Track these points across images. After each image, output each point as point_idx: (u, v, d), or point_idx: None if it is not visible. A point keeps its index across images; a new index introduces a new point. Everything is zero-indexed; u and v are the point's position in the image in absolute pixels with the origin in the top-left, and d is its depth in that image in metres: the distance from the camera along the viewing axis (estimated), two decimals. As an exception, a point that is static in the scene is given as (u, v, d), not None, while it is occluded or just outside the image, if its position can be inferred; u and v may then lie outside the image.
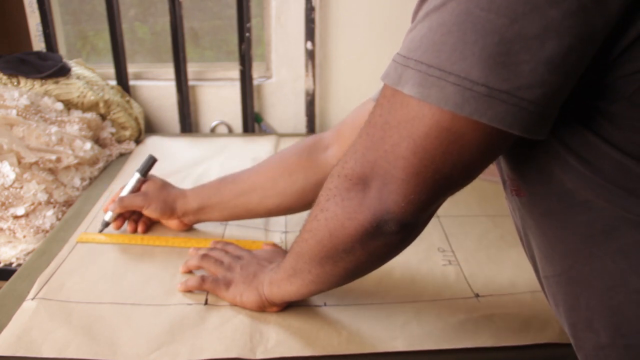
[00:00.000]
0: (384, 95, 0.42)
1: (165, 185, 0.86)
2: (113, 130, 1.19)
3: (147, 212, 0.83)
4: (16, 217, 0.91)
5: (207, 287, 0.69)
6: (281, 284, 0.62)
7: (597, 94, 0.38)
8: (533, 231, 0.49)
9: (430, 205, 0.45)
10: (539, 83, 0.35)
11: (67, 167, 1.01)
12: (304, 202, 0.77)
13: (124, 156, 1.18)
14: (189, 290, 0.70)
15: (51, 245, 0.82)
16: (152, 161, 0.88)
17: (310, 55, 1.33)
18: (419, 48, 0.38)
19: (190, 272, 0.75)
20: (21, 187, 0.92)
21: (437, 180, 0.41)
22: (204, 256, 0.73)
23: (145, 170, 0.87)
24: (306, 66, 1.34)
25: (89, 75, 1.21)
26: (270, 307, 0.66)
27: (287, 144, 1.24)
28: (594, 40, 0.35)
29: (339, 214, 0.47)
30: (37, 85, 1.10)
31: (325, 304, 0.70)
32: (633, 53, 0.35)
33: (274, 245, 0.81)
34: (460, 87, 0.36)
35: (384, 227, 0.45)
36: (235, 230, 0.87)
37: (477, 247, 0.84)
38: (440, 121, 0.38)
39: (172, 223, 0.85)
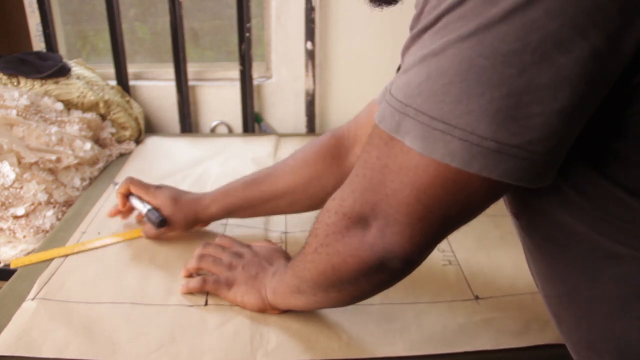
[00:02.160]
0: (380, 137, 0.40)
1: (178, 197, 0.81)
2: (113, 130, 1.19)
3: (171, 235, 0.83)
4: (16, 217, 0.91)
5: (209, 288, 0.69)
6: (285, 296, 0.62)
7: (605, 131, 0.36)
8: (533, 252, 0.49)
9: (435, 244, 0.45)
10: (551, 135, 0.33)
11: (67, 167, 1.01)
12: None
13: (124, 156, 1.18)
14: (190, 292, 0.70)
15: (51, 245, 0.82)
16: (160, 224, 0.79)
17: (310, 55, 1.33)
18: (418, 96, 0.36)
19: (191, 275, 0.74)
20: (21, 187, 0.92)
21: (442, 224, 0.41)
22: (202, 256, 0.72)
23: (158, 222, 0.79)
24: (306, 66, 1.34)
25: (89, 75, 1.21)
26: (272, 310, 0.66)
27: (287, 144, 1.24)
28: (607, 83, 0.33)
29: (341, 251, 0.47)
30: (37, 85, 1.10)
31: None
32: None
33: (270, 242, 0.80)
34: (468, 143, 0.34)
35: (388, 264, 0.45)
36: (236, 230, 0.87)
37: (477, 247, 0.84)
38: (446, 174, 0.36)
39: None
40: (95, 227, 0.87)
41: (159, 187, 0.82)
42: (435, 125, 0.35)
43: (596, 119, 0.35)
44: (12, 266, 0.72)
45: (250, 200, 0.79)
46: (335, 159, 0.77)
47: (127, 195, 0.84)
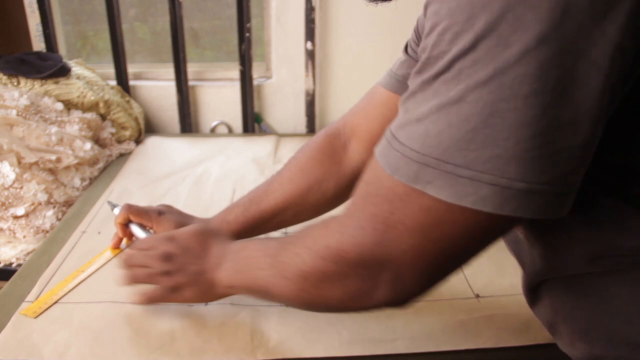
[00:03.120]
0: (393, 190, 0.38)
1: (183, 225, 0.74)
2: (113, 130, 1.19)
3: None
4: (16, 217, 0.91)
5: (156, 301, 0.64)
6: (247, 293, 0.59)
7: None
8: (526, 242, 0.50)
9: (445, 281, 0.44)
10: (576, 168, 0.34)
11: (67, 167, 1.01)
12: (339, 204, 0.75)
13: (124, 156, 1.18)
14: (152, 302, 0.65)
15: (51, 245, 0.82)
16: None
17: (310, 55, 1.33)
18: (439, 145, 0.35)
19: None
20: (21, 187, 0.92)
21: (459, 265, 0.41)
22: (133, 273, 0.65)
23: None
24: (306, 66, 1.34)
25: (89, 76, 1.21)
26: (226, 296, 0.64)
27: (287, 144, 1.24)
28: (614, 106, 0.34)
29: (339, 297, 0.46)
30: (37, 86, 1.10)
31: None
32: None
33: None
34: (498, 187, 0.34)
35: (395, 305, 0.44)
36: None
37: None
38: (476, 220, 0.36)
39: None
40: (95, 227, 0.87)
41: (161, 213, 0.76)
42: (461, 172, 0.34)
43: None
44: (20, 313, 0.66)
45: (253, 223, 0.74)
46: (331, 158, 0.74)
47: (126, 224, 0.78)
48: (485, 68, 0.32)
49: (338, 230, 0.44)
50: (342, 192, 0.73)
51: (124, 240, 0.80)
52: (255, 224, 0.74)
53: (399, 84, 0.67)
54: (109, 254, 0.80)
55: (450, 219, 0.36)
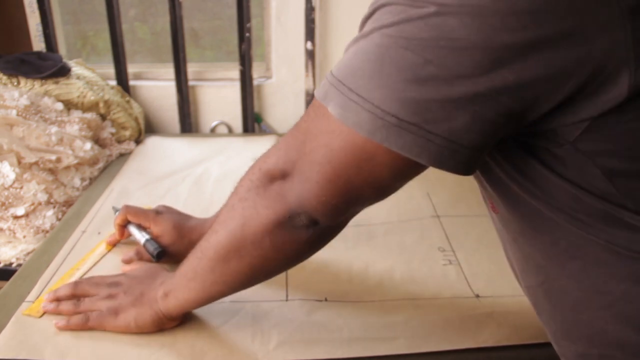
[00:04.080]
0: (313, 104, 0.45)
1: (181, 225, 0.76)
2: (113, 130, 1.19)
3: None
4: (16, 217, 0.91)
5: (92, 324, 0.62)
6: (178, 293, 0.59)
7: (544, 138, 0.40)
8: (511, 245, 0.51)
9: (342, 212, 0.48)
10: (446, 119, 0.37)
11: (67, 167, 1.01)
12: None
13: (124, 156, 1.18)
14: (71, 330, 0.63)
15: (51, 245, 0.82)
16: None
17: (310, 55, 1.33)
18: (342, 70, 0.41)
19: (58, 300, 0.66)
20: (21, 187, 0.92)
21: (349, 191, 0.45)
22: (76, 302, 0.65)
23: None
24: (306, 66, 1.34)
25: (89, 75, 1.21)
26: (169, 322, 0.63)
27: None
28: (513, 92, 0.37)
29: (257, 202, 0.50)
30: (37, 85, 1.10)
31: (326, 299, 0.70)
32: (570, 107, 0.37)
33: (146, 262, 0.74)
34: (374, 115, 0.38)
35: (296, 219, 0.48)
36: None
37: (477, 247, 0.84)
38: (355, 141, 0.41)
39: None
40: (95, 227, 0.87)
41: (159, 213, 0.77)
42: (351, 96, 0.40)
43: (533, 127, 0.39)
44: (23, 313, 0.66)
45: None
46: None
47: (125, 225, 0.79)
48: (394, 17, 0.38)
49: (273, 147, 0.51)
50: None
51: (131, 229, 0.79)
52: None
53: None
54: (103, 248, 0.80)
55: (338, 132, 0.42)
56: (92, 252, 0.80)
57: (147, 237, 0.75)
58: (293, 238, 0.50)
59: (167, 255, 0.74)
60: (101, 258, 0.78)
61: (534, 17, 0.34)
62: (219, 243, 0.54)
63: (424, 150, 0.38)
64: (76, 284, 0.67)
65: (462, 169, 0.40)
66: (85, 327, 0.63)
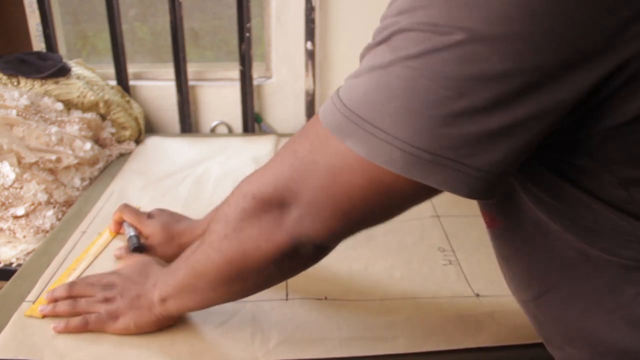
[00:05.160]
0: (317, 132, 0.42)
1: (170, 227, 0.78)
2: (113, 130, 1.19)
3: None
4: (16, 217, 0.91)
5: (92, 327, 0.63)
6: (178, 301, 0.60)
7: (563, 150, 0.39)
8: (510, 258, 0.51)
9: (351, 235, 0.46)
10: (483, 152, 0.36)
11: (67, 167, 1.01)
12: None
13: (124, 156, 1.18)
14: (70, 332, 0.63)
15: (51, 245, 0.82)
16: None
17: (310, 55, 1.33)
18: (363, 103, 0.38)
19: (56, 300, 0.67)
20: (21, 187, 0.92)
21: (364, 221, 0.44)
22: (72, 302, 0.65)
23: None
24: (306, 66, 1.34)
25: (89, 75, 1.21)
26: (168, 322, 0.63)
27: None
28: (546, 112, 0.35)
29: (255, 235, 0.48)
30: (37, 85, 1.10)
31: (326, 298, 0.70)
32: (594, 114, 0.36)
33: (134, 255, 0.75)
34: (406, 153, 0.36)
35: (301, 249, 0.46)
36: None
37: (477, 247, 0.84)
38: (382, 178, 0.39)
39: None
40: (95, 227, 0.87)
41: (150, 215, 0.80)
42: (377, 134, 0.37)
43: (554, 139, 0.38)
44: (25, 315, 0.66)
45: None
46: None
47: (121, 222, 0.83)
48: (417, 46, 0.35)
49: (263, 168, 0.48)
50: None
51: (125, 225, 0.83)
52: None
53: None
54: (107, 235, 0.84)
55: (360, 170, 0.39)
56: (95, 242, 0.82)
57: (133, 233, 0.79)
58: (299, 263, 0.50)
59: (146, 251, 0.76)
60: (107, 245, 0.82)
61: (567, 38, 0.32)
62: (219, 269, 0.52)
63: (463, 184, 0.37)
64: (72, 284, 0.67)
65: (492, 196, 0.38)
66: (84, 330, 0.63)
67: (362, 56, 0.41)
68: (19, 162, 0.94)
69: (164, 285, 0.61)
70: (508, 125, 0.35)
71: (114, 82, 1.32)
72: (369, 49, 0.40)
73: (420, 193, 0.41)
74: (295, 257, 0.48)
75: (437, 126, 0.35)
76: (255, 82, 1.36)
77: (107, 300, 0.64)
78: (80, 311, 0.64)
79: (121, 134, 1.21)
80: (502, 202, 0.47)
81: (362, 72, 0.39)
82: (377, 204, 0.42)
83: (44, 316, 0.65)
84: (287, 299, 0.70)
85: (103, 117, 1.18)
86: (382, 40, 0.38)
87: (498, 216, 0.49)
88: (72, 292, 0.66)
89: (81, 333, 0.63)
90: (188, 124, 1.38)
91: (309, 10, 1.28)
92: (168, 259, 0.69)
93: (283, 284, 0.73)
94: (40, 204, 0.93)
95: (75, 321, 0.63)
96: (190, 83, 1.36)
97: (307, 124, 0.44)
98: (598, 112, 0.36)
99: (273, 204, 0.46)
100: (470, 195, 0.38)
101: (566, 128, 0.37)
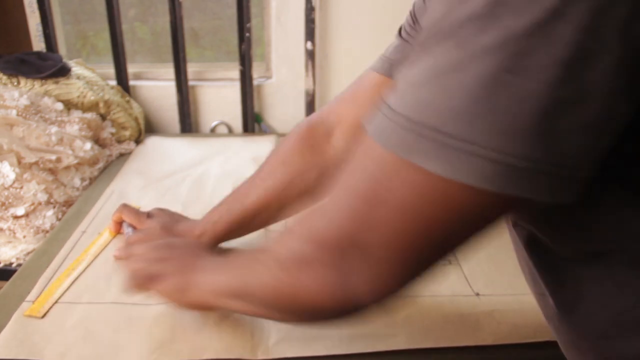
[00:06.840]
0: (378, 164, 0.34)
1: (169, 228, 0.75)
2: (113, 130, 1.19)
3: None
4: (16, 217, 0.91)
5: (160, 292, 0.59)
6: (222, 301, 0.53)
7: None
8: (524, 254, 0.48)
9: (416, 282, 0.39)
10: (581, 150, 0.31)
11: (67, 167, 1.01)
12: (324, 194, 0.74)
13: (124, 156, 1.18)
14: (134, 284, 0.61)
15: (51, 245, 0.82)
16: None
17: (310, 55, 1.33)
18: (435, 114, 0.31)
19: None
20: (21, 187, 0.92)
21: (438, 261, 0.37)
22: (131, 256, 0.63)
23: None
24: (306, 66, 1.34)
25: (89, 75, 1.21)
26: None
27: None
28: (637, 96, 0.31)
29: (315, 294, 0.40)
30: (37, 85, 1.10)
31: None
32: None
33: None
34: (502, 165, 0.30)
35: (360, 308, 0.40)
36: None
37: (477, 247, 0.84)
38: (475, 201, 0.32)
39: None
40: (95, 227, 0.87)
41: (150, 215, 0.78)
42: (460, 146, 0.30)
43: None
44: (24, 314, 0.65)
45: (238, 221, 0.73)
46: (313, 148, 0.72)
47: (120, 223, 0.83)
48: (492, 35, 0.29)
49: (320, 212, 0.40)
50: (326, 182, 0.73)
51: (124, 226, 0.82)
52: (241, 222, 0.73)
53: (392, 68, 0.65)
54: (107, 235, 0.84)
55: (444, 198, 0.32)
56: (95, 242, 0.82)
57: (130, 233, 0.79)
58: (350, 317, 0.42)
59: None
60: (107, 245, 0.82)
61: None
62: (268, 303, 0.45)
63: (559, 189, 0.31)
64: (131, 245, 0.65)
65: (578, 195, 0.33)
66: (148, 288, 0.59)
67: (410, 61, 0.34)
68: (19, 162, 0.94)
69: (207, 277, 0.55)
70: (603, 116, 0.30)
71: (114, 82, 1.32)
72: (422, 49, 0.33)
73: (513, 205, 0.34)
74: (349, 314, 0.41)
75: (532, 126, 0.30)
76: (255, 82, 1.36)
77: (161, 259, 0.60)
78: (155, 269, 0.59)
79: (121, 134, 1.21)
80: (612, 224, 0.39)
81: (423, 78, 0.32)
82: (467, 232, 0.35)
83: (43, 316, 0.65)
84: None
85: (103, 117, 1.18)
86: (441, 35, 0.32)
87: (553, 236, 0.44)
88: (131, 252, 0.63)
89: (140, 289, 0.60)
90: (188, 124, 1.38)
91: (309, 10, 1.28)
92: None
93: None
94: (40, 204, 0.93)
95: (144, 277, 0.59)
96: (190, 83, 1.36)
97: (359, 150, 0.36)
98: None
99: (335, 256, 0.38)
100: (563, 199, 0.32)
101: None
